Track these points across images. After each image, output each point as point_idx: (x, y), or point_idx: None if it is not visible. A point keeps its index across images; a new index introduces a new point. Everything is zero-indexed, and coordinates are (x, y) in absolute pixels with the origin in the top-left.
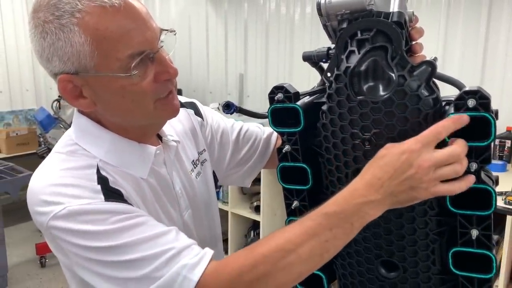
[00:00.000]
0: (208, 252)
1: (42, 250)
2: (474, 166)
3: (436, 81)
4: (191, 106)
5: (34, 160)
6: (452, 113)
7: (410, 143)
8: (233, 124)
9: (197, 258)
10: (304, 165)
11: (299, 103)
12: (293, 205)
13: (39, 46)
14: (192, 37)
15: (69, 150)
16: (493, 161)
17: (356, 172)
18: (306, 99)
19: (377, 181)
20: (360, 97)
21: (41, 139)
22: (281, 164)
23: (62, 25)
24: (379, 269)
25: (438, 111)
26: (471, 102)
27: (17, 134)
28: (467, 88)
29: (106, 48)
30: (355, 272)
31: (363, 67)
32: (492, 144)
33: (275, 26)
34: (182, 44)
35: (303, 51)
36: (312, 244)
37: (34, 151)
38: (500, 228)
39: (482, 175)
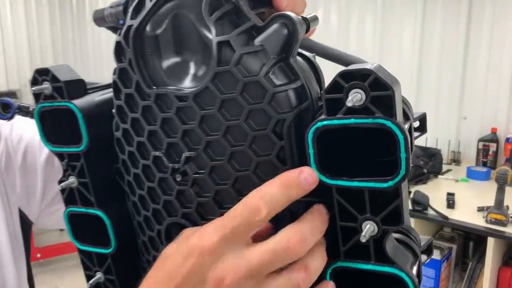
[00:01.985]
0: None
1: None
2: (370, 229)
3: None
4: None
5: None
6: (320, 123)
7: (205, 234)
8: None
9: None
10: (99, 213)
11: (80, 101)
12: (94, 279)
13: None
14: None
15: None
16: (476, 168)
17: (171, 231)
18: (99, 95)
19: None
20: (158, 88)
21: None
22: (68, 209)
23: None
24: None
25: (306, 116)
26: (355, 97)
27: None
28: (348, 69)
29: None
30: None
31: (160, 29)
32: (403, 186)
33: None
34: None
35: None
36: None
37: None
38: (481, 250)
39: (390, 246)
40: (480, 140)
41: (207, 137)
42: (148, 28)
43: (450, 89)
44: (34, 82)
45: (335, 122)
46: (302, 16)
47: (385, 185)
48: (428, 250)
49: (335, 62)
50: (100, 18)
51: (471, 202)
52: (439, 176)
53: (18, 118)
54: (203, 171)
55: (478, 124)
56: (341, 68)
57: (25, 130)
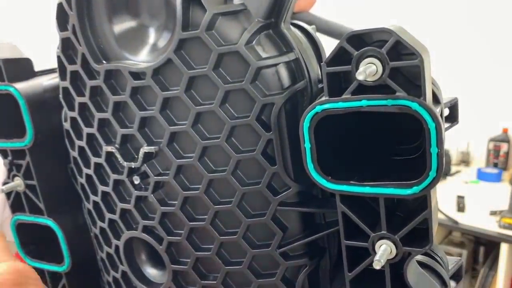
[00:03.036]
0: None
1: None
2: (387, 251)
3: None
4: None
5: None
6: (320, 107)
7: None
8: None
9: None
10: (49, 223)
11: (24, 85)
12: None
13: None
14: None
15: None
16: (487, 170)
17: (131, 247)
18: (49, 79)
19: None
20: (108, 62)
21: None
22: (15, 218)
23: None
24: None
25: (302, 100)
26: (368, 69)
27: None
28: (359, 30)
29: None
30: None
31: None
32: (433, 192)
33: None
34: None
35: None
36: None
37: None
38: (493, 256)
39: (411, 273)
40: (491, 140)
41: (172, 127)
42: None
43: (459, 86)
44: None
45: (340, 105)
46: None
47: (408, 191)
48: (457, 275)
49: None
50: None
51: (482, 205)
52: (448, 177)
53: None
54: (167, 171)
55: (489, 123)
56: None
57: None
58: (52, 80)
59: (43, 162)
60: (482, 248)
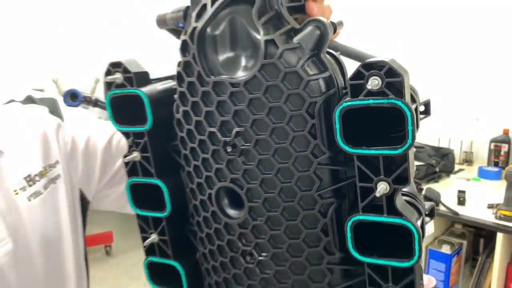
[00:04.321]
0: None
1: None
2: (383, 188)
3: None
4: (47, 102)
5: None
6: (348, 103)
7: None
8: (104, 127)
9: None
10: (158, 182)
11: (146, 89)
12: (149, 240)
13: None
14: None
15: None
16: (488, 168)
17: (220, 194)
18: (160, 85)
19: None
20: (215, 77)
21: None
22: (130, 180)
23: None
24: None
25: (333, 100)
26: (373, 82)
27: None
28: (368, 61)
29: None
30: None
31: (218, 30)
32: (410, 153)
33: None
34: None
35: None
36: None
37: None
38: (490, 247)
39: (399, 202)
40: (492, 141)
41: (254, 116)
42: (208, 29)
43: (463, 91)
44: (108, 73)
45: (358, 102)
46: (330, 21)
47: (395, 152)
48: (431, 214)
49: (355, 59)
50: (162, 21)
51: (482, 199)
52: (451, 175)
53: (83, 112)
54: (249, 143)
55: (490, 125)
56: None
57: (88, 121)
58: (162, 86)
59: (155, 140)
60: (482, 240)
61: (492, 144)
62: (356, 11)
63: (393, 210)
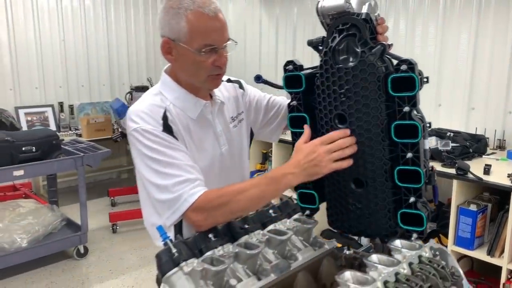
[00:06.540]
0: (202, 186)
1: (114, 219)
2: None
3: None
4: (237, 82)
5: (109, 143)
6: (393, 75)
7: (315, 142)
8: (265, 95)
9: (195, 190)
10: (305, 115)
11: (303, 72)
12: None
13: (162, 18)
14: (247, 37)
15: (153, 93)
16: None
17: (337, 117)
18: (308, 71)
19: (297, 162)
20: (338, 65)
21: (115, 126)
22: (289, 115)
23: (179, 13)
24: (351, 185)
25: (388, 75)
26: (403, 67)
27: (95, 121)
28: (402, 58)
29: (195, 35)
30: (335, 188)
31: (341, 47)
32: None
33: (321, 28)
34: (238, 43)
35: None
36: (254, 191)
37: (109, 136)
38: (507, 207)
39: (414, 116)
40: None
41: (354, 81)
42: (336, 46)
43: (497, 87)
44: (286, 65)
45: (398, 74)
46: (388, 43)
47: (412, 93)
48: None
49: (395, 59)
50: (310, 43)
51: (504, 172)
52: (484, 156)
53: (253, 87)
54: (351, 94)
55: None
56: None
57: (257, 92)
58: (307, 71)
59: (304, 97)
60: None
61: None
62: None
63: (409, 118)
